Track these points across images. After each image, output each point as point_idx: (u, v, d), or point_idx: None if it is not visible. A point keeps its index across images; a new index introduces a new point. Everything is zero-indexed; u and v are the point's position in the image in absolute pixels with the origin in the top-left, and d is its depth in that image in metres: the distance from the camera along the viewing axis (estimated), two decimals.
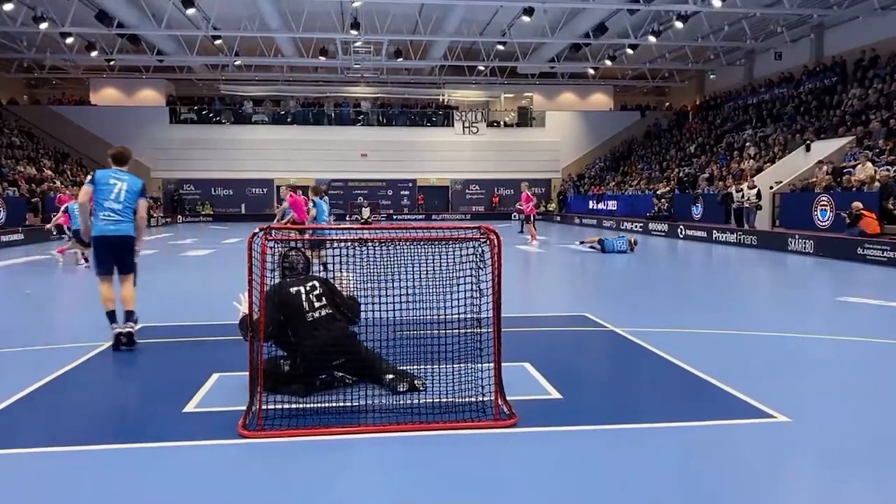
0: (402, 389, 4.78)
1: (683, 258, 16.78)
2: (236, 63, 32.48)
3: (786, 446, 4.00)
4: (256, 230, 4.36)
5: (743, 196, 20.01)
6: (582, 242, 17.55)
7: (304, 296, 4.86)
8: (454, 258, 4.65)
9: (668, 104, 41.19)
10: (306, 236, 13.03)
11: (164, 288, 10.98)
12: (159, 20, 25.41)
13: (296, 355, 4.80)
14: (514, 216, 18.29)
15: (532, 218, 20.00)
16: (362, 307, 5.03)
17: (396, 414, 4.29)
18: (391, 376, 4.86)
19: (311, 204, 12.70)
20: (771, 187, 20.83)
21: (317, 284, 4.95)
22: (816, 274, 13.40)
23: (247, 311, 4.69)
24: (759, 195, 19.82)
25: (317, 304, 4.86)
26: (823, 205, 17.26)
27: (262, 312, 4.37)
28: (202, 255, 16.68)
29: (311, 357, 4.70)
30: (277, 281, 5.02)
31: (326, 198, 13.50)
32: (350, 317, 5.02)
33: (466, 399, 4.42)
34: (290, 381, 4.76)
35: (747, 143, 25.82)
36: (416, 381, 4.85)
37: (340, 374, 4.85)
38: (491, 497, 3.36)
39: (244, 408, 4.35)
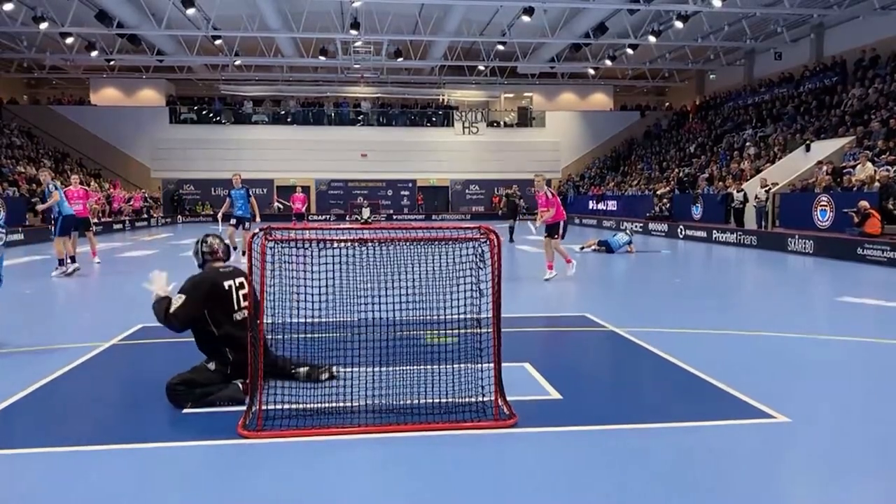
0: (323, 378, 4.88)
1: (683, 258, 16.77)
2: (236, 63, 32.46)
3: (786, 446, 4.00)
4: (256, 230, 4.36)
5: (756, 197, 19.94)
6: (582, 248, 17.24)
7: (234, 291, 4.79)
8: (454, 258, 4.65)
9: (668, 104, 41.19)
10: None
11: None
12: (159, 20, 25.39)
13: (220, 354, 4.73)
14: (535, 226, 12.14)
15: (563, 227, 11.44)
16: (363, 307, 5.02)
17: (396, 414, 4.29)
18: (305, 369, 4.92)
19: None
20: (768, 188, 20.80)
21: (244, 282, 4.82)
22: (816, 274, 13.40)
23: (160, 294, 4.70)
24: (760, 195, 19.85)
25: (243, 304, 4.79)
26: (823, 205, 17.24)
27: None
28: None
29: (239, 360, 4.60)
30: (207, 268, 4.97)
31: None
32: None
33: (466, 399, 4.41)
34: (220, 388, 4.68)
35: (747, 143, 25.82)
36: (332, 369, 4.96)
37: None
38: (491, 497, 3.36)
39: (244, 408, 4.35)
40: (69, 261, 11.94)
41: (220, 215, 14.53)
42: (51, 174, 13.40)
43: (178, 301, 4.66)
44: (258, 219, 14.03)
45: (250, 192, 14.48)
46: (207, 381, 4.66)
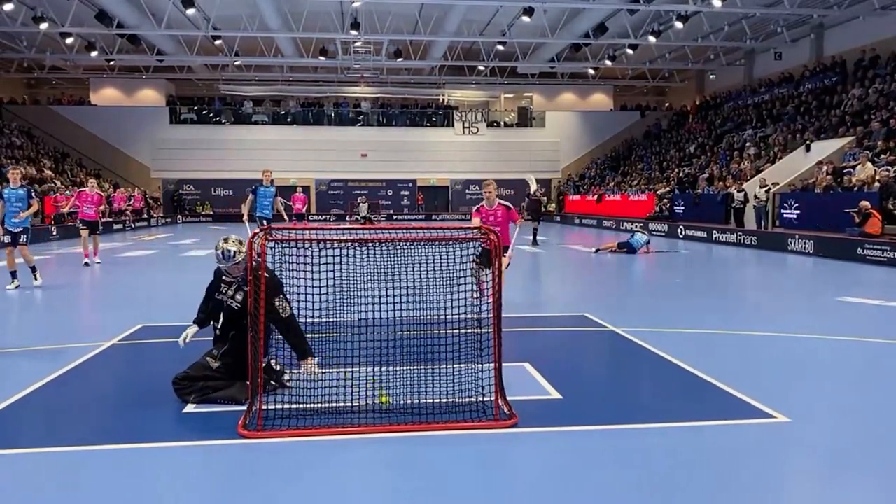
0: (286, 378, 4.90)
1: (683, 258, 16.75)
2: (236, 63, 32.46)
3: (786, 446, 4.00)
4: (257, 230, 4.36)
5: (755, 197, 19.91)
6: (598, 251, 16.98)
7: None
8: (454, 258, 4.65)
9: (668, 104, 41.17)
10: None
11: (164, 288, 10.98)
12: (159, 20, 25.39)
13: (225, 345, 4.78)
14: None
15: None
16: (363, 307, 5.01)
17: (397, 414, 4.29)
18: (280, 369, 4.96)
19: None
20: (767, 188, 20.80)
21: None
22: (816, 274, 13.39)
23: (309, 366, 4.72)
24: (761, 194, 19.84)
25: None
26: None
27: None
28: (202, 255, 16.66)
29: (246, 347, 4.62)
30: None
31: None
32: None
33: (467, 399, 4.42)
34: (223, 386, 4.69)
35: (747, 143, 25.82)
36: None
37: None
38: (491, 497, 3.36)
39: (244, 408, 4.35)
40: (11, 276, 10.47)
41: (245, 216, 12.80)
42: (23, 173, 11.67)
43: (284, 303, 4.67)
44: (286, 220, 12.94)
45: (278, 192, 13.61)
46: (205, 376, 4.69)
